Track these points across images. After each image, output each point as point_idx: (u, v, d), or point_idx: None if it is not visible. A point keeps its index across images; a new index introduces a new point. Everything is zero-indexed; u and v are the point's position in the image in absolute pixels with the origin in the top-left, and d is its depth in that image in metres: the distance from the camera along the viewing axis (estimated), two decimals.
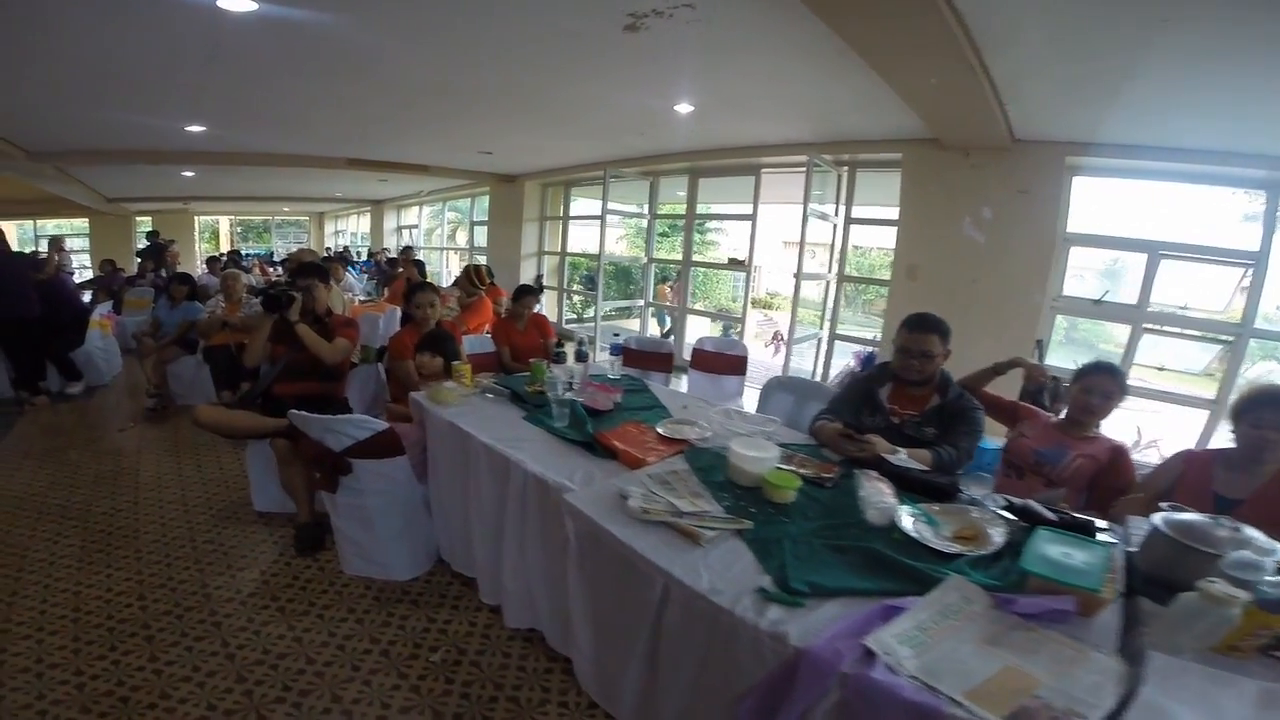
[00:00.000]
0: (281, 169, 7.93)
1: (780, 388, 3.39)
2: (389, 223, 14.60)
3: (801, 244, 5.30)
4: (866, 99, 4.23)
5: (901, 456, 1.99)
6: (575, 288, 9.82)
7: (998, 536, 1.53)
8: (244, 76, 4.01)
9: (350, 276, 8.83)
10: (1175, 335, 5.09)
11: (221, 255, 10.74)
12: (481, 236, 11.06)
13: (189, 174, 8.72)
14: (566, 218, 8.99)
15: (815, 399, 3.13)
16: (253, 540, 2.86)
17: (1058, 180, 4.61)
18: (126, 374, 5.99)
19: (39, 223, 13.01)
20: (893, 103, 4.11)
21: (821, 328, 6.21)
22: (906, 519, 1.60)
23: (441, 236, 13.22)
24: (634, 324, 9.52)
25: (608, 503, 1.64)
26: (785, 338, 10.57)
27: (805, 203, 5.21)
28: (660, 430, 2.29)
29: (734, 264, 7.08)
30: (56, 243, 5.70)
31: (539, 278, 9.01)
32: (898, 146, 5.21)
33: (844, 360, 6.19)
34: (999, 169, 4.71)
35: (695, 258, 8.20)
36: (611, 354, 3.15)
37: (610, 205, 7.01)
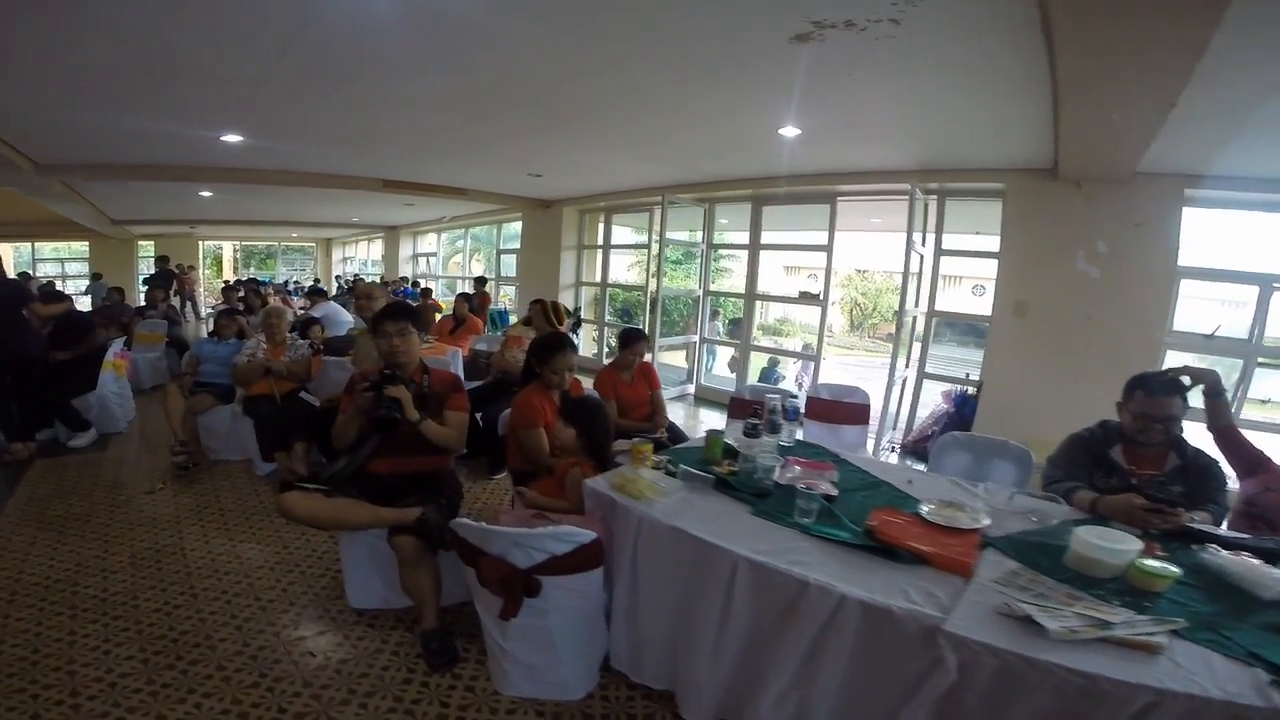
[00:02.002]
0: (307, 190, 7.38)
1: (957, 446, 2.98)
2: (404, 250, 14.04)
3: (905, 276, 4.85)
4: (996, 126, 3.93)
5: (1197, 522, 1.90)
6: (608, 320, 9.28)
7: None
8: (317, 72, 3.45)
9: None
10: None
11: (238, 283, 10.02)
12: (508, 265, 10.57)
13: (206, 194, 8.15)
14: (608, 246, 8.50)
15: (999, 457, 2.86)
16: (364, 651, 2.26)
17: (1174, 213, 4.42)
18: (141, 420, 5.33)
19: (37, 245, 12.34)
20: (1027, 130, 3.85)
21: (909, 365, 5.71)
22: None
23: (464, 265, 12.66)
24: (669, 357, 9.03)
25: (1004, 627, 1.40)
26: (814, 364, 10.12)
27: (909, 233, 4.80)
28: (925, 516, 1.91)
29: (806, 297, 6.62)
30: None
31: (577, 310, 8.49)
32: (1001, 176, 4.93)
33: (935, 400, 5.71)
34: (1113, 200, 4.49)
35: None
36: (789, 419, 2.60)
37: (666, 234, 6.58)
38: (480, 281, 8.66)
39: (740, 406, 3.79)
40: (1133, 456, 2.22)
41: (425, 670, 2.15)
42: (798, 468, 2.15)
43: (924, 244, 5.56)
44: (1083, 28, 2.35)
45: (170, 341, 6.91)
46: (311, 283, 13.69)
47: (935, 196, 5.51)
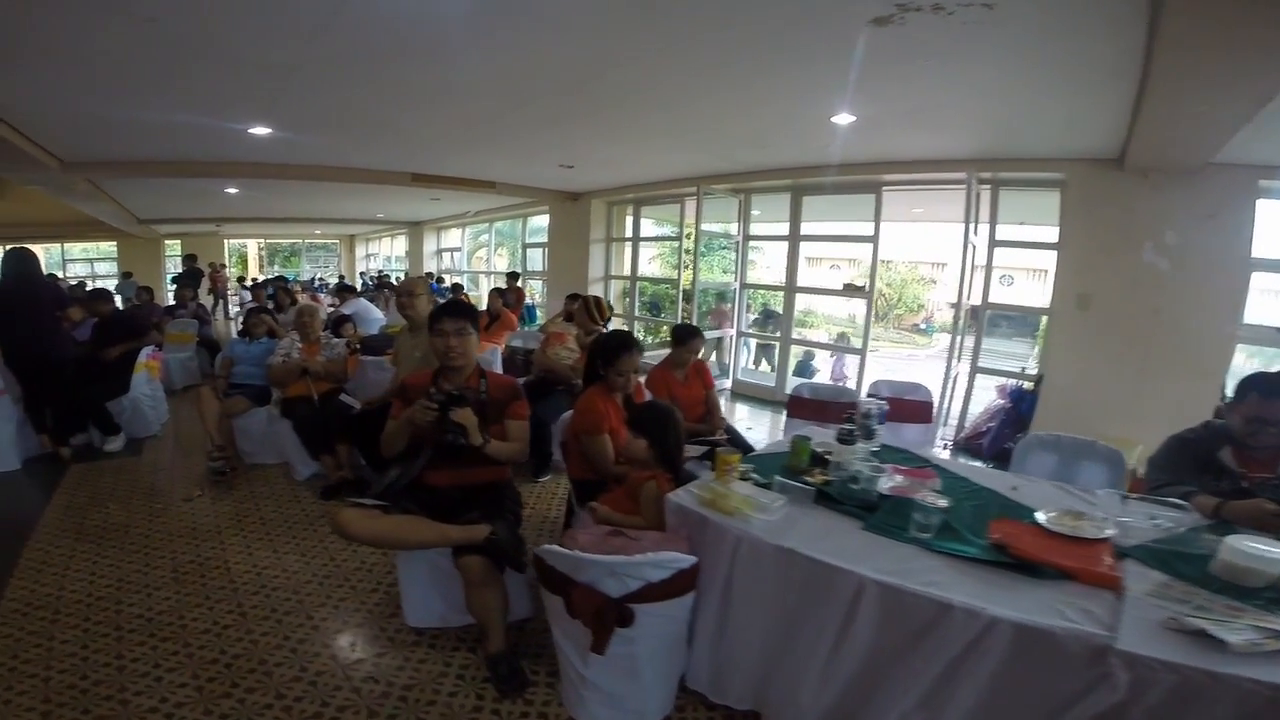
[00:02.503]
0: (333, 185, 7.27)
1: (1041, 447, 2.80)
2: (428, 245, 13.93)
3: (963, 267, 4.62)
4: (1065, 116, 3.72)
5: None
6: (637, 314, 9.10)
7: None
8: (351, 55, 3.26)
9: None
10: None
11: (265, 281, 9.95)
12: (533, 260, 10.43)
13: (232, 191, 8.06)
14: (638, 239, 8.31)
15: (1087, 458, 2.70)
16: (428, 675, 2.12)
17: (1248, 204, 4.20)
18: (175, 422, 5.26)
19: (66, 246, 12.42)
20: (1098, 120, 3.66)
21: (960, 360, 5.46)
22: None
23: (488, 260, 12.52)
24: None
25: (1177, 642, 1.34)
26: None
27: (966, 223, 4.57)
28: (1046, 526, 1.79)
29: (851, 290, 6.39)
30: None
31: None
32: (1061, 165, 4.70)
33: (988, 395, 5.46)
34: (1183, 191, 4.25)
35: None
36: (878, 423, 2.42)
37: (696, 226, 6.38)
38: (513, 277, 8.50)
39: (801, 406, 3.61)
40: (1243, 459, 2.14)
41: (494, 695, 2.02)
42: (899, 477, 1.98)
43: (975, 234, 5.33)
44: (1195, 25, 2.18)
45: (201, 341, 6.86)
46: (337, 279, 13.69)
47: (989, 186, 5.27)
